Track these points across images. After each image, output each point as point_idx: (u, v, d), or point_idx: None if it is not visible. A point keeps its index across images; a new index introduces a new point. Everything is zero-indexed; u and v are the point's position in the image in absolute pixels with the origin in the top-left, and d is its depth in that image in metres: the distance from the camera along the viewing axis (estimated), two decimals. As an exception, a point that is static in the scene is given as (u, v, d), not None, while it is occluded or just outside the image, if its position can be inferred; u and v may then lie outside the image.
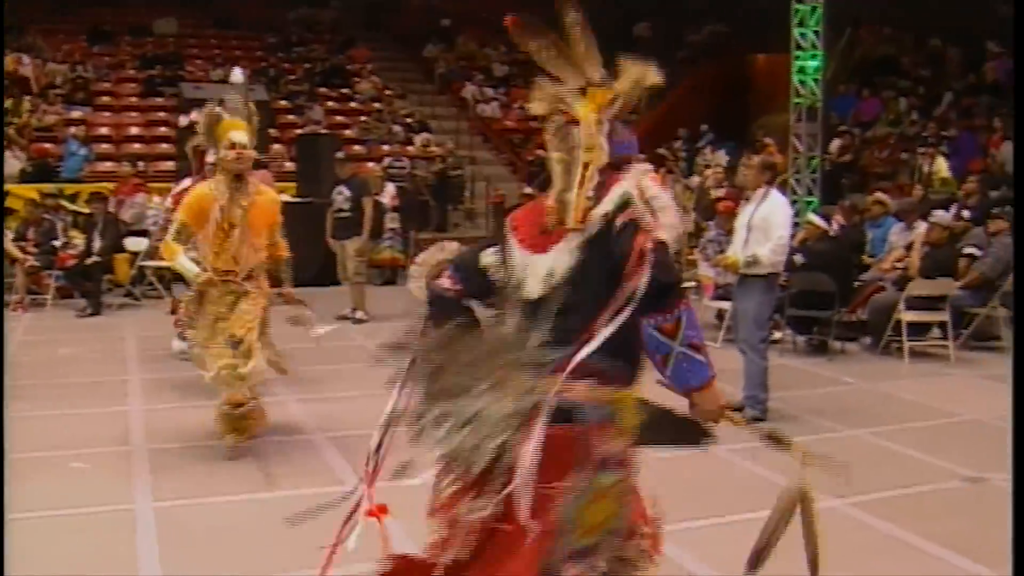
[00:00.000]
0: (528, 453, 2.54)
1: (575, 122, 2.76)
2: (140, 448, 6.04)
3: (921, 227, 9.97)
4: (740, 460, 5.78)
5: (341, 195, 11.50)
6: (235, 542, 4.54)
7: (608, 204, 2.69)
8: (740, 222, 6.91)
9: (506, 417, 2.61)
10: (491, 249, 2.90)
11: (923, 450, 6.05)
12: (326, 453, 5.96)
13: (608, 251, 2.65)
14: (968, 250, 9.67)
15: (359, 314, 11.20)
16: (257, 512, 4.97)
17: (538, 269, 2.73)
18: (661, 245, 2.61)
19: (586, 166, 2.72)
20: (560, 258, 2.70)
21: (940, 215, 9.71)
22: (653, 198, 2.70)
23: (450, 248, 3.10)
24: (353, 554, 4.30)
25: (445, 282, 2.91)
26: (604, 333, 2.55)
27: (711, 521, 4.82)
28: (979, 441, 6.37)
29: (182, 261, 5.91)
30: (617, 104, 2.80)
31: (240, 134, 5.75)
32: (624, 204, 2.69)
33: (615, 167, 2.76)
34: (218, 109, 5.89)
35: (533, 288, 2.73)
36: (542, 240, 2.76)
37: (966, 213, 11.11)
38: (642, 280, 2.55)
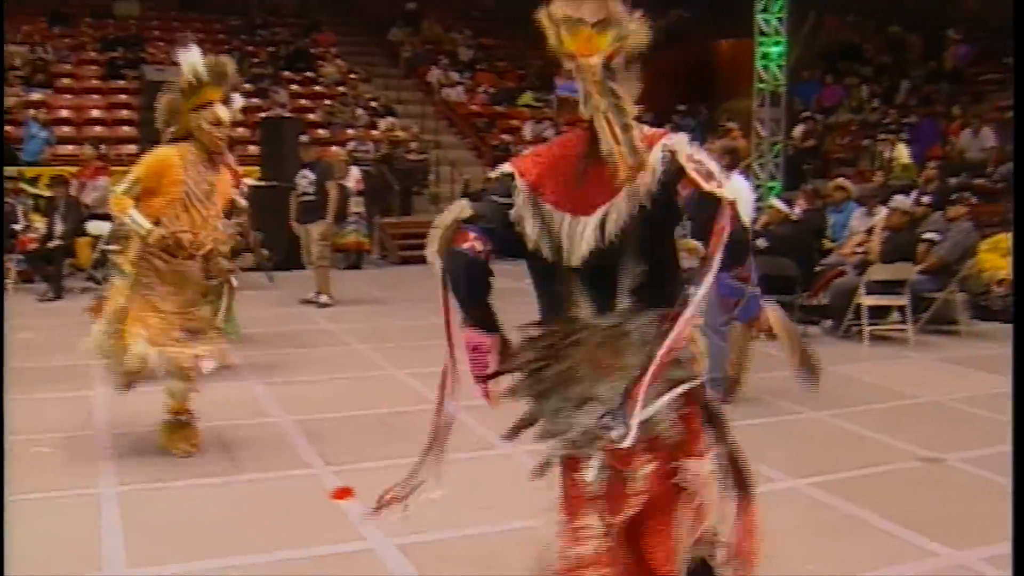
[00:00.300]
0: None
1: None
2: (103, 433, 6.02)
3: (881, 212, 10.09)
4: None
5: (305, 179, 11.49)
6: (201, 526, 4.54)
7: (655, 162, 2.55)
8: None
9: (619, 393, 2.46)
10: (511, 203, 2.66)
11: (882, 431, 6.14)
12: (292, 436, 5.97)
13: (665, 211, 2.57)
14: (928, 235, 9.80)
15: (323, 298, 11.20)
16: (223, 496, 4.97)
17: (587, 233, 2.57)
18: (731, 203, 2.50)
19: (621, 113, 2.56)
20: (615, 220, 2.55)
21: (900, 200, 9.82)
22: (701, 161, 2.56)
23: (463, 206, 2.72)
24: (320, 535, 4.37)
25: (476, 244, 2.59)
26: (702, 293, 2.44)
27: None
28: (937, 422, 6.49)
29: (133, 215, 5.41)
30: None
31: (224, 110, 5.51)
32: (675, 164, 2.54)
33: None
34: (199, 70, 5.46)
35: (581, 254, 2.59)
36: (581, 199, 2.60)
37: (926, 199, 11.25)
38: (724, 241, 2.45)
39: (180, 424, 5.65)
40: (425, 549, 4.19)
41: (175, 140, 5.53)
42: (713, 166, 2.55)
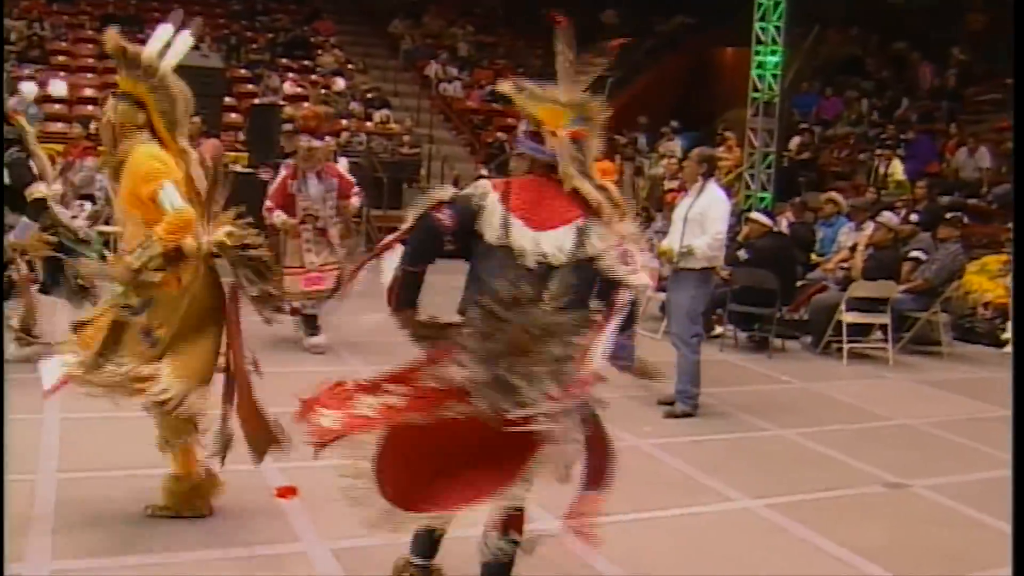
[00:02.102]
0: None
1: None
2: (51, 419, 5.87)
3: (869, 228, 9.95)
4: (668, 457, 5.73)
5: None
6: (133, 521, 4.39)
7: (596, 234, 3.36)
8: (678, 214, 6.81)
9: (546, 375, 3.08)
10: (483, 202, 3.40)
11: (849, 453, 6.00)
12: (242, 432, 5.79)
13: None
14: (914, 254, 9.68)
15: None
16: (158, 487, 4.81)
17: (542, 244, 3.32)
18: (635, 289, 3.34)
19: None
20: (566, 240, 3.33)
21: (887, 217, 9.68)
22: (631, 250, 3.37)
23: (450, 191, 3.51)
24: (255, 535, 4.24)
25: (443, 218, 3.37)
26: (611, 330, 3.21)
27: (630, 517, 4.72)
28: (906, 446, 6.35)
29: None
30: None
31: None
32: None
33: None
34: None
35: (532, 259, 3.30)
36: (543, 220, 3.35)
37: (914, 216, 11.12)
38: (618, 319, 3.26)
39: (182, 492, 4.54)
40: (358, 553, 4.07)
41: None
42: (634, 249, 3.38)
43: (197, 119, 12.43)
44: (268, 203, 7.93)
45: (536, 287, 3.22)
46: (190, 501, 4.46)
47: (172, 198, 4.11)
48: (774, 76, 14.30)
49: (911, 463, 5.91)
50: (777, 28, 14.14)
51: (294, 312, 7.90)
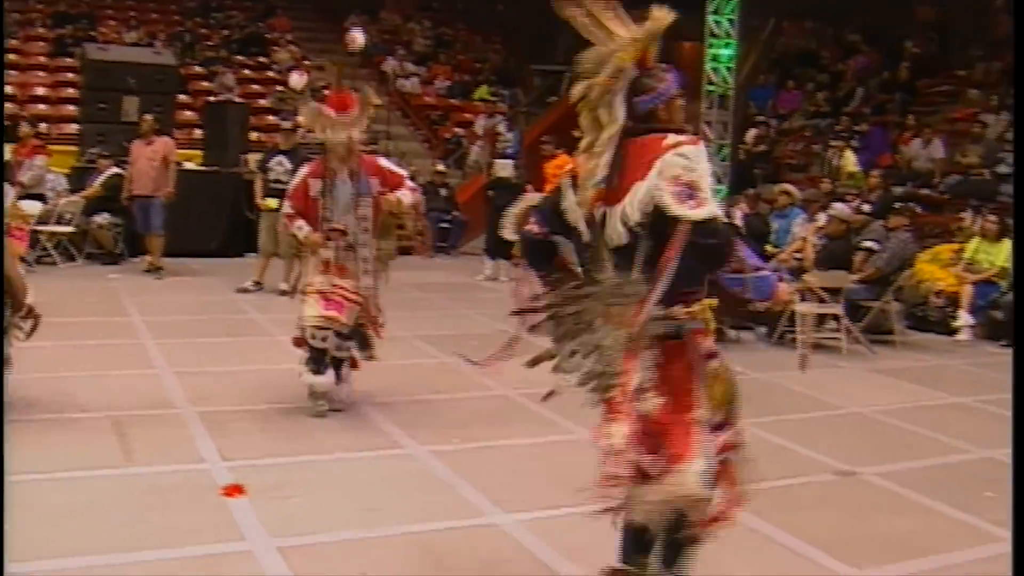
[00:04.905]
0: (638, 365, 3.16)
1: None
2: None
3: (822, 219, 10.02)
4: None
5: (281, 166, 11.06)
6: (78, 521, 4.33)
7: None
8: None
9: (621, 344, 3.16)
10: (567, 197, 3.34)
11: (799, 442, 6.02)
12: (192, 428, 5.74)
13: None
14: (866, 244, 9.75)
15: (283, 285, 10.82)
16: (107, 490, 4.75)
17: (614, 219, 3.19)
18: (697, 222, 3.05)
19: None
20: (630, 209, 3.15)
21: (839, 208, 9.75)
22: (689, 180, 3.08)
23: (532, 198, 3.67)
24: (201, 534, 4.19)
25: (533, 227, 3.42)
26: (666, 279, 3.07)
27: (582, 509, 4.70)
28: (857, 435, 6.39)
29: None
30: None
31: None
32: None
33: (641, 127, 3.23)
34: None
35: (614, 236, 3.20)
36: (611, 194, 3.21)
37: (866, 207, 11.21)
38: (674, 256, 3.05)
39: None
40: (303, 552, 4.03)
41: None
42: (702, 184, 3.09)
43: (150, 117, 12.34)
44: (288, 207, 6.29)
45: (619, 259, 3.23)
46: None
47: None
48: (728, 69, 14.36)
49: (862, 451, 5.94)
50: (731, 21, 14.21)
51: (298, 343, 6.30)
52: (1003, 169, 13.50)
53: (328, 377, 6.17)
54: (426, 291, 11.48)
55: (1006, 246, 10.30)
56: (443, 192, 15.84)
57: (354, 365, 6.43)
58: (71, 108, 17.36)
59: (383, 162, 6.54)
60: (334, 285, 6.09)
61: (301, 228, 6.15)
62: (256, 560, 3.99)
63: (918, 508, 5.05)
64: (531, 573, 4.00)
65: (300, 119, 6.12)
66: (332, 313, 6.04)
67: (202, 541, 4.16)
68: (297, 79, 6.15)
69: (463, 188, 17.11)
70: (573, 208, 3.32)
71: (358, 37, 6.47)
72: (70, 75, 18.50)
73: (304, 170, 6.36)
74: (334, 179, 6.08)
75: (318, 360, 6.12)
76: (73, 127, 16.35)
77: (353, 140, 6.04)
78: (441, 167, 16.40)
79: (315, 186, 6.14)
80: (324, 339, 6.06)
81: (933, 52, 18.29)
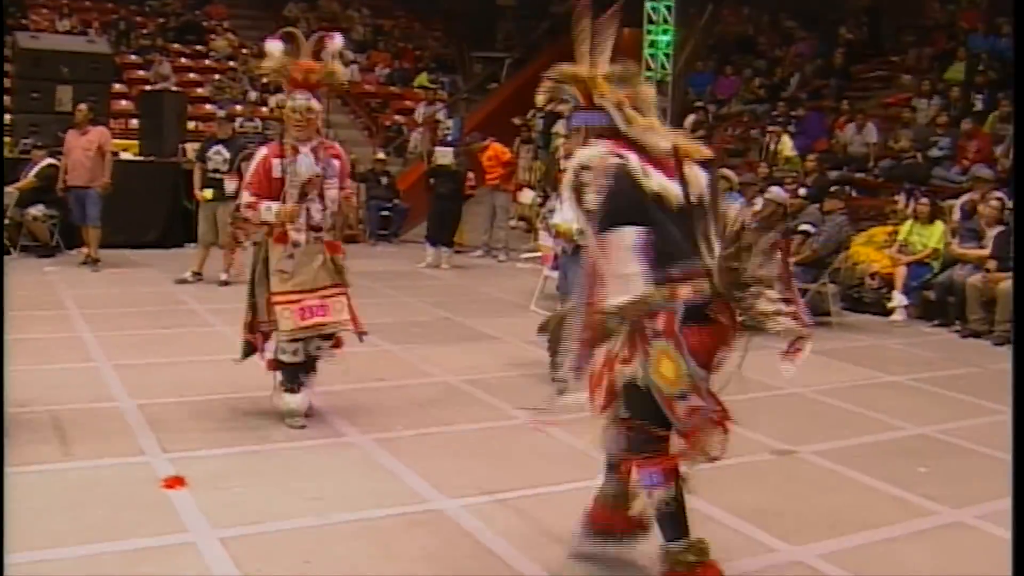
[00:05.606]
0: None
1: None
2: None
3: (759, 203, 10.15)
4: (560, 432, 5.75)
5: (219, 155, 10.92)
6: (16, 517, 4.27)
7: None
8: (566, 193, 6.82)
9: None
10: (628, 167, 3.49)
11: (738, 422, 6.10)
12: (132, 422, 5.68)
13: None
14: (803, 227, 9.90)
15: (224, 276, 10.73)
16: (44, 485, 4.69)
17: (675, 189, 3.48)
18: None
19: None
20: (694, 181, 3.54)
21: (775, 192, 9.90)
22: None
23: (629, 232, 3.56)
24: (142, 528, 4.16)
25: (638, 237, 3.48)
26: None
27: (520, 494, 4.75)
28: (795, 414, 6.50)
29: None
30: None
31: None
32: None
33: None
34: None
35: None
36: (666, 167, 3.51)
37: (803, 191, 11.37)
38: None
39: None
40: (246, 542, 4.02)
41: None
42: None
43: (84, 106, 12.15)
44: (247, 196, 5.72)
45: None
46: None
47: None
48: (667, 56, 14.46)
49: (799, 430, 6.05)
50: (669, 8, 14.31)
51: (272, 366, 5.81)
52: (935, 153, 13.79)
53: (303, 395, 5.76)
54: (368, 279, 11.43)
55: (938, 228, 10.52)
56: (384, 180, 15.77)
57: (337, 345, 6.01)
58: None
59: (341, 150, 6.13)
60: (308, 291, 5.66)
61: (270, 208, 5.61)
62: (199, 551, 3.97)
63: (854, 485, 5.16)
64: (475, 557, 4.03)
65: (265, 63, 5.86)
66: (315, 320, 5.65)
67: (144, 534, 4.13)
68: (275, 45, 5.86)
69: (404, 176, 17.05)
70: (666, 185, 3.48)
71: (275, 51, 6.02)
72: (1, 64, 18.12)
73: (262, 152, 5.88)
74: (296, 155, 5.68)
75: (292, 377, 5.75)
76: (5, 117, 16.03)
77: (313, 109, 5.74)
78: (381, 155, 16.33)
79: (277, 166, 5.68)
80: (295, 352, 5.68)
81: (866, 38, 18.60)
